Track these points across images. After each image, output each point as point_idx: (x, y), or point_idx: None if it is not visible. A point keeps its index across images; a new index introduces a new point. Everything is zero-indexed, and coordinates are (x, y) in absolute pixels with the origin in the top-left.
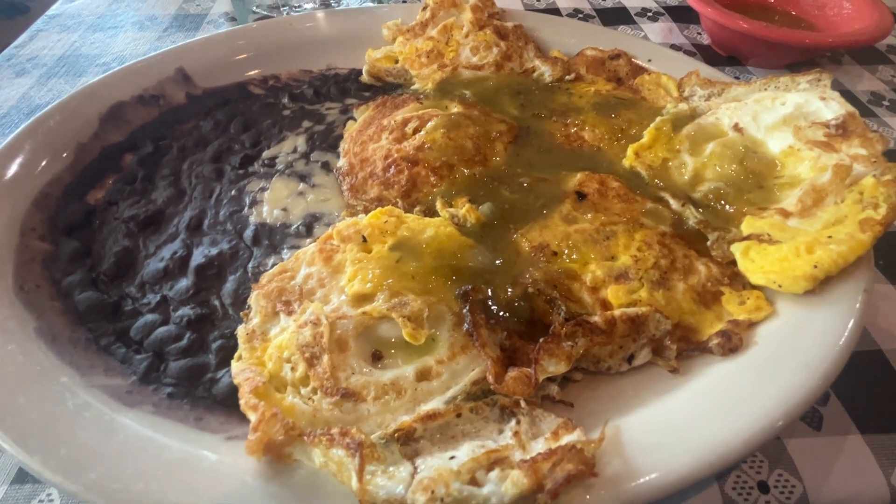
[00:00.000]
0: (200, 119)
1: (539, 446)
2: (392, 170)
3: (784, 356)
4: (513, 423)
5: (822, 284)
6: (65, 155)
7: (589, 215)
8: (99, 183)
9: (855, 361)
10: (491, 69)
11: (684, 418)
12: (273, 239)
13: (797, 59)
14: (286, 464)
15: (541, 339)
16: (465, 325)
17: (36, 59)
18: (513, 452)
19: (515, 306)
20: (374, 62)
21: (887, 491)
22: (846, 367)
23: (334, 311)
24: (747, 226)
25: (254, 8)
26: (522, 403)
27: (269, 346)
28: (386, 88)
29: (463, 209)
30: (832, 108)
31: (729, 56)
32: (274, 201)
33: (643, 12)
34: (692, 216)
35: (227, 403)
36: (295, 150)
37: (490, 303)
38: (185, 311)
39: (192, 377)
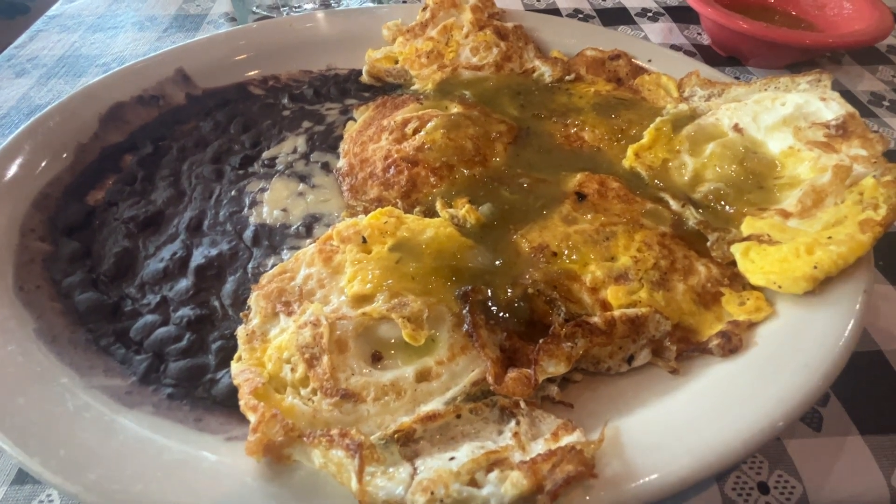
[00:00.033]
0: (200, 120)
1: (539, 447)
2: (392, 170)
3: (784, 357)
4: (512, 423)
5: (821, 285)
6: (64, 155)
7: (589, 216)
8: (99, 183)
9: (855, 362)
10: (491, 70)
11: (684, 419)
12: (273, 239)
13: (797, 60)
14: (286, 465)
15: (540, 340)
16: (465, 326)
17: (36, 59)
18: (512, 453)
19: (515, 307)
20: (373, 62)
21: (887, 492)
22: (846, 368)
23: (334, 312)
24: (747, 226)
25: (254, 8)
26: (522, 404)
27: (269, 346)
28: (386, 89)
29: (463, 210)
30: (832, 108)
31: (729, 56)
32: (274, 202)
33: (643, 12)
34: (692, 217)
35: (226, 404)
36: (295, 151)
37: (490, 303)
38: (185, 311)
39: (191, 378)
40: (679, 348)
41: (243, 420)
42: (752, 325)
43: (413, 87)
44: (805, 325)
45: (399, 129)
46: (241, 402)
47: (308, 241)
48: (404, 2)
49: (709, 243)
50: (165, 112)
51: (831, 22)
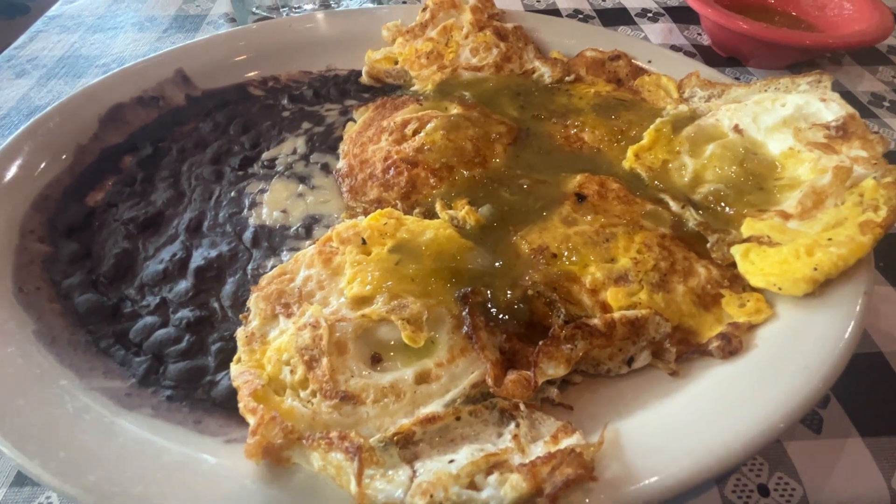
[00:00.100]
0: (200, 120)
1: (538, 450)
2: (391, 171)
3: (784, 359)
4: (512, 426)
5: (822, 287)
6: (64, 157)
7: (588, 217)
8: (98, 185)
9: (855, 364)
10: (490, 70)
11: (684, 421)
12: (272, 241)
13: (797, 60)
14: (285, 467)
15: (540, 342)
16: (465, 328)
17: (36, 60)
18: (512, 456)
19: (515, 309)
20: (373, 63)
21: (887, 494)
22: (846, 370)
23: (333, 314)
24: (747, 228)
25: (253, 9)
26: (522, 406)
27: (269, 348)
28: (385, 90)
29: (462, 211)
30: (832, 109)
31: (729, 57)
32: (273, 203)
33: (643, 13)
34: (692, 218)
35: (226, 406)
36: (294, 152)
37: (489, 305)
38: (185, 313)
39: (191, 380)
40: (679, 350)
41: (243, 422)
42: (752, 327)
43: (413, 88)
44: (805, 327)
45: (399, 130)
46: (241, 405)
47: (307, 242)
48: (404, 2)
49: (709, 245)
50: (165, 113)
51: (831, 22)
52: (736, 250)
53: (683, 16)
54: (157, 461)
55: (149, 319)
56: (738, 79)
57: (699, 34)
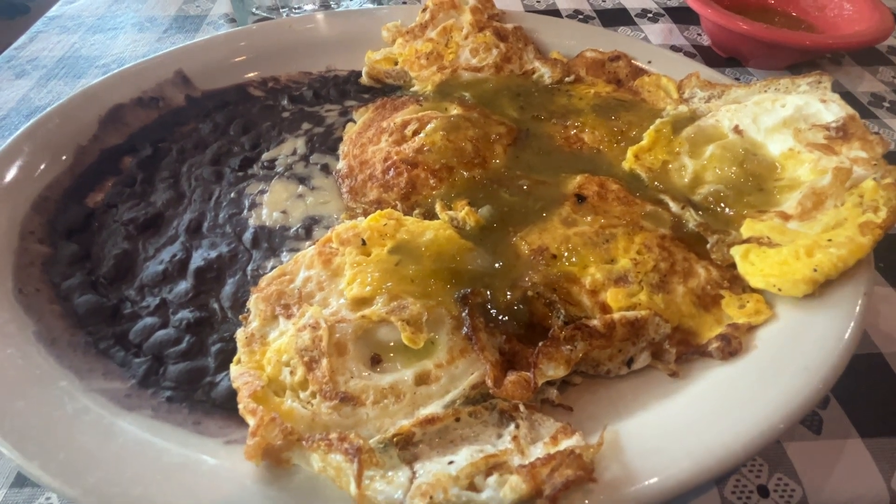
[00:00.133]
0: (200, 121)
1: (538, 451)
2: (391, 172)
3: (784, 360)
4: (512, 427)
5: (821, 288)
6: (64, 158)
7: (588, 218)
8: (98, 186)
9: (855, 365)
10: (490, 71)
11: (684, 422)
12: (272, 242)
13: (797, 61)
14: (285, 468)
15: (540, 343)
16: (465, 329)
17: (36, 60)
18: (511, 457)
19: (515, 310)
20: (373, 64)
21: (887, 494)
22: (846, 371)
23: (333, 315)
24: (747, 229)
25: (253, 9)
26: (521, 407)
27: (268, 349)
28: (385, 90)
29: (462, 212)
30: (832, 110)
31: (729, 57)
32: (273, 204)
33: (643, 13)
34: (692, 219)
35: (225, 407)
36: (294, 153)
37: (489, 306)
38: (185, 314)
39: (190, 381)
40: (679, 351)
41: (242, 423)
42: (751, 328)
43: (412, 89)
44: (805, 328)
45: (398, 131)
46: (241, 406)
47: (307, 243)
48: (404, 3)
49: (708, 245)
50: (165, 114)
51: (831, 23)
52: (736, 251)
53: (683, 16)
54: (156, 462)
55: (148, 320)
56: (738, 79)
57: (699, 35)
